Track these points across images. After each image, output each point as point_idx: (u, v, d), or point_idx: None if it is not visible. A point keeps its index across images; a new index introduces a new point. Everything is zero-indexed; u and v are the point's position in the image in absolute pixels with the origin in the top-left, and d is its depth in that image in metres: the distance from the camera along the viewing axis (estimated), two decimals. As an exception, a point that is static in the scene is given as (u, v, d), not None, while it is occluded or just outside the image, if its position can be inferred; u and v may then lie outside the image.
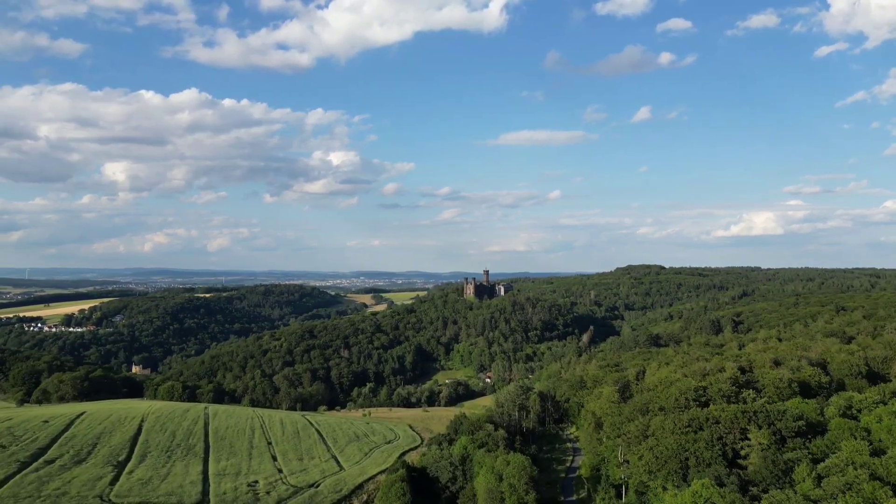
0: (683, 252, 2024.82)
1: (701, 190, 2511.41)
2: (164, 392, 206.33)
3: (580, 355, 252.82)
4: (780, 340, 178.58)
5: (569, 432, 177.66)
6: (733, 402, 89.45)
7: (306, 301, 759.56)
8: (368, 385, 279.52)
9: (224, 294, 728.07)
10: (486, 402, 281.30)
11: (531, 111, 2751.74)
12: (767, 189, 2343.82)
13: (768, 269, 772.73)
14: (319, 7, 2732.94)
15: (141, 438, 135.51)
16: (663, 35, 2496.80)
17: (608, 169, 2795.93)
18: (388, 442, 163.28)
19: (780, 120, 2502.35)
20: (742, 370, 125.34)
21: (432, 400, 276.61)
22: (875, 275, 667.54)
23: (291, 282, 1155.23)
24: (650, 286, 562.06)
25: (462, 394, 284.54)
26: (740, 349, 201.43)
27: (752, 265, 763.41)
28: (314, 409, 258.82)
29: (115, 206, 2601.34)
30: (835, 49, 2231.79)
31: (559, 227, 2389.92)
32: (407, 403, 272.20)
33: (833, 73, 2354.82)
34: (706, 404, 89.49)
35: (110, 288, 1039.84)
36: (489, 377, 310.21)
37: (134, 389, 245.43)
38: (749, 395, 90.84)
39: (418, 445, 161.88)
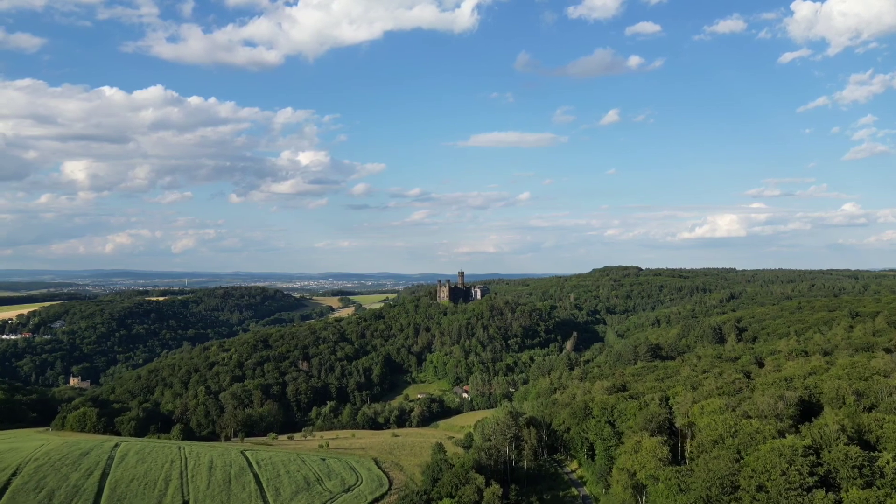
0: (650, 253, 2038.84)
1: (667, 192, 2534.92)
2: (73, 421, 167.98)
3: (571, 368, 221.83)
4: (810, 355, 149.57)
5: (569, 468, 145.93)
6: (866, 476, 58.11)
7: (268, 304, 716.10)
8: (329, 404, 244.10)
9: (179, 297, 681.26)
10: (464, 420, 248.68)
11: (501, 112, 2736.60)
12: (731, 191, 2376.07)
13: (743, 271, 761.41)
14: (288, 4, 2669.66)
15: (3, 501, 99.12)
16: (632, 38, 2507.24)
17: (577, 171, 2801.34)
18: (348, 489, 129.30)
19: (744, 124, 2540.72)
20: (805, 401, 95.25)
21: (402, 419, 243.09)
22: (853, 276, 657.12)
23: (256, 283, 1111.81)
24: (631, 288, 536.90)
25: (436, 412, 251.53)
26: (759, 363, 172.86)
27: (716, 266, 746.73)
28: (264, 434, 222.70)
29: (74, 206, 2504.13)
30: (798, 55, 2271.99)
31: (528, 228, 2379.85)
32: (373, 424, 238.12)
33: (796, 78, 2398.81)
34: (829, 481, 57.85)
35: (65, 290, 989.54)
36: (466, 391, 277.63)
37: (47, 413, 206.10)
38: (888, 462, 59.51)
39: (386, 493, 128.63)
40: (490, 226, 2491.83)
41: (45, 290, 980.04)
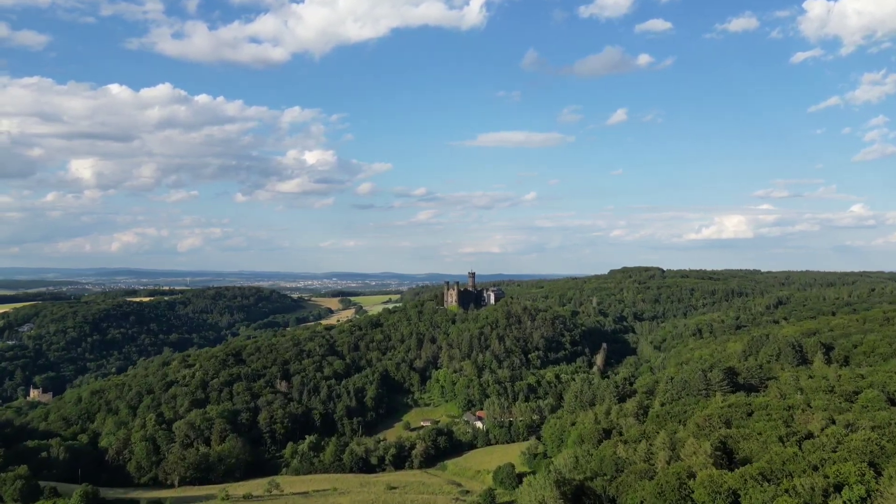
0: (655, 254, 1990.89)
1: (674, 193, 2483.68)
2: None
3: (622, 399, 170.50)
4: None
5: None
6: None
7: (262, 306, 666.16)
8: (308, 438, 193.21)
9: (166, 298, 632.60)
10: (479, 460, 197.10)
11: (508, 112, 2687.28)
12: (739, 192, 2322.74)
13: (768, 272, 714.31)
14: (294, 0, 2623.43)
15: None
16: (642, 36, 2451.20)
17: (584, 171, 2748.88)
18: None
19: (753, 124, 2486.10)
20: None
21: (401, 458, 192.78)
22: (892, 279, 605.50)
23: (258, 283, 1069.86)
24: (658, 292, 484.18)
25: (444, 448, 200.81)
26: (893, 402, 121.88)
27: (724, 267, 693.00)
28: (223, 480, 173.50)
29: (81, 204, 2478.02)
30: (811, 55, 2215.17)
31: (534, 228, 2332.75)
32: (364, 465, 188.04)
33: (808, 78, 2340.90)
34: None
35: (64, 289, 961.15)
36: (481, 417, 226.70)
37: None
38: None
39: None
40: (495, 226, 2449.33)
41: (43, 289, 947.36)
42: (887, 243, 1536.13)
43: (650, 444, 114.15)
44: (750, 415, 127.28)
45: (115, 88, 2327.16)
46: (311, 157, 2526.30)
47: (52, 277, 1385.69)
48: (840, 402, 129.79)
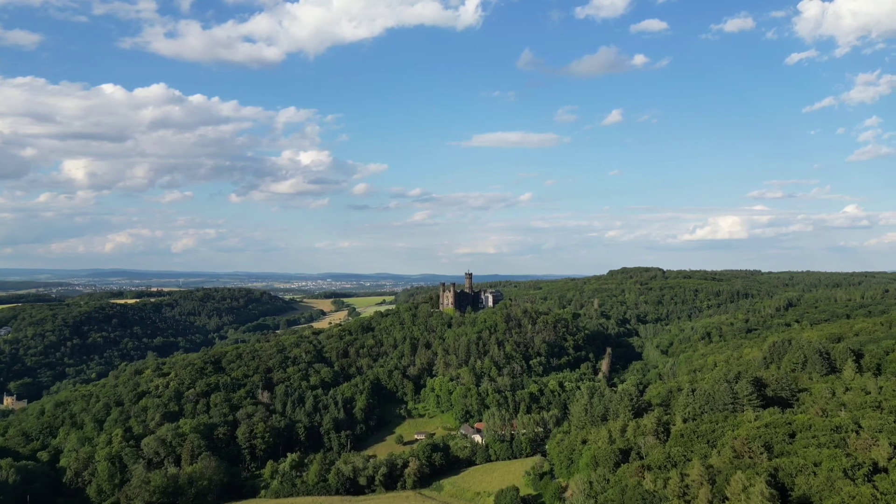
0: (650, 255, 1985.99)
1: (670, 194, 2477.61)
2: None
3: (638, 414, 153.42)
4: None
5: None
6: None
7: (252, 308, 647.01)
8: (290, 456, 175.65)
9: (152, 300, 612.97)
10: (479, 479, 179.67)
11: (503, 112, 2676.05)
12: (734, 193, 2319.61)
13: (770, 273, 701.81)
14: (288, 0, 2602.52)
15: None
16: (638, 37, 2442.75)
17: (580, 171, 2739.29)
18: None
19: (749, 124, 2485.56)
20: None
21: (393, 477, 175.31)
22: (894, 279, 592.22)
23: (252, 284, 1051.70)
24: (661, 293, 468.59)
25: (440, 465, 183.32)
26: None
27: (722, 268, 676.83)
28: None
29: (74, 205, 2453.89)
30: (806, 56, 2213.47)
31: (530, 229, 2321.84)
32: (352, 486, 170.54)
33: (803, 78, 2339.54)
34: None
35: (54, 291, 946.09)
36: (479, 430, 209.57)
37: None
38: None
39: None
40: (491, 227, 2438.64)
41: (32, 290, 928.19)
42: (880, 244, 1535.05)
43: (683, 475, 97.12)
44: (792, 436, 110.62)
45: (108, 88, 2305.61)
46: (306, 158, 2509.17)
47: (45, 279, 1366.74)
48: (894, 422, 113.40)
